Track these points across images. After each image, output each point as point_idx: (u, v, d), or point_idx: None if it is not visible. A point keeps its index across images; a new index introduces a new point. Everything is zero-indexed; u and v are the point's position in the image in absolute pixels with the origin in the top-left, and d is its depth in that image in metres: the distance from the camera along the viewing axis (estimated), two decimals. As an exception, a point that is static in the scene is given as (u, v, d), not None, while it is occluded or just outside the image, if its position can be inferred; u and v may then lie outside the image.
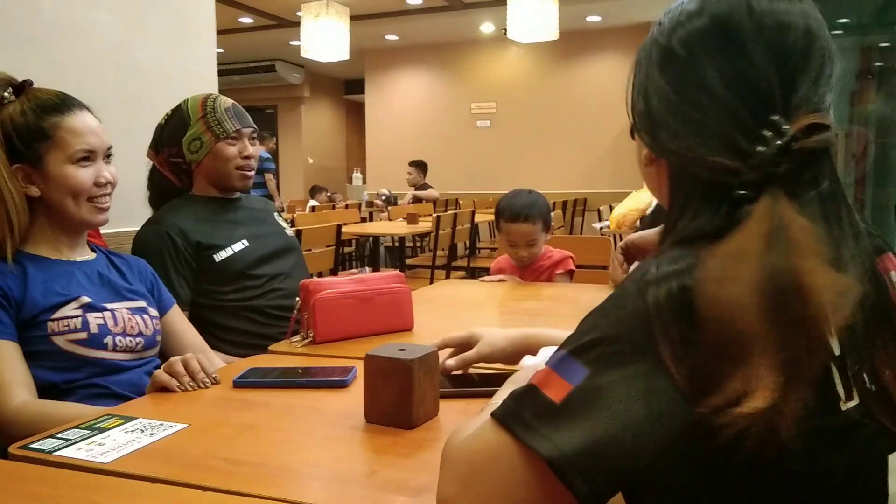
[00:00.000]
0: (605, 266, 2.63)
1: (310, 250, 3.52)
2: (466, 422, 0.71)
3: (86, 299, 1.28)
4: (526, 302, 1.93)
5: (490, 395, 1.05)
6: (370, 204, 7.66)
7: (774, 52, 0.63)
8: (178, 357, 1.15)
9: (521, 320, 1.74)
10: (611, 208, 5.22)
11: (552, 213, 4.65)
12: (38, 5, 1.93)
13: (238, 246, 1.73)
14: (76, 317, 1.26)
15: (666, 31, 0.68)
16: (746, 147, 0.61)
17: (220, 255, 1.70)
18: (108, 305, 1.32)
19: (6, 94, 1.30)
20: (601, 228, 4.88)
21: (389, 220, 6.17)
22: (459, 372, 1.17)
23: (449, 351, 1.16)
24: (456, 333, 1.16)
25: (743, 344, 0.54)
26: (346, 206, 6.91)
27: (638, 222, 4.42)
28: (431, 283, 4.36)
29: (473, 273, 5.01)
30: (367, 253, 6.23)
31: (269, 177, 6.93)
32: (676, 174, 0.68)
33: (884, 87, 6.49)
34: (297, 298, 1.48)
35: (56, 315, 1.24)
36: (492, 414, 0.61)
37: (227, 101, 1.81)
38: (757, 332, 0.54)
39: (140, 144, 1.84)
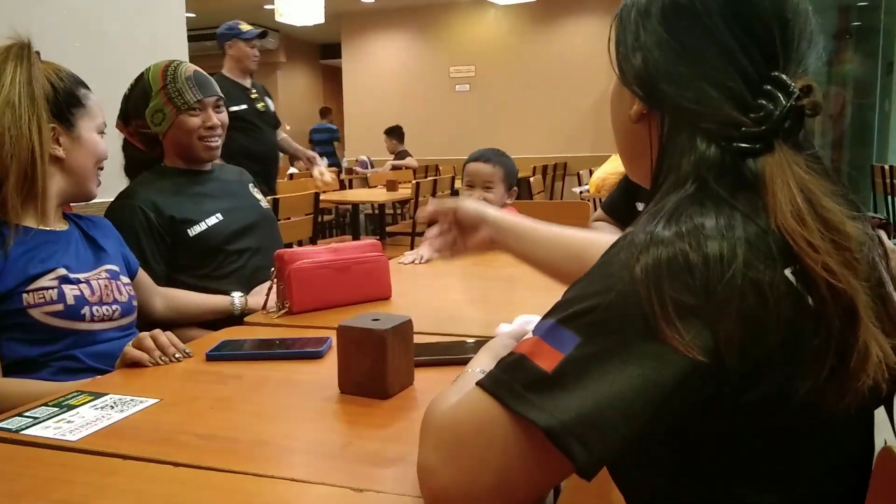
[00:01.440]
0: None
1: (288, 219, 3.48)
2: (444, 391, 0.71)
3: (62, 271, 1.27)
4: (505, 269, 1.92)
5: (465, 362, 1.05)
6: (349, 171, 7.60)
7: (777, 11, 0.65)
8: (147, 332, 1.14)
9: (500, 287, 1.74)
10: (591, 172, 5.21)
11: (532, 179, 4.63)
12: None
13: (212, 220, 1.69)
14: (52, 288, 1.24)
15: None
16: (751, 101, 0.63)
17: (195, 230, 1.66)
18: (84, 276, 1.30)
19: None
20: (581, 192, 4.88)
21: (369, 186, 6.13)
22: (434, 342, 1.17)
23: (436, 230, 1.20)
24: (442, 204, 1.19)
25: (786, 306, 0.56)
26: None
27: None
28: (412, 250, 4.35)
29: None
30: (347, 221, 6.19)
31: (336, 145, 7.11)
32: (672, 128, 0.67)
33: (861, 48, 6.50)
34: (272, 269, 1.46)
35: (32, 287, 1.22)
36: (479, 384, 0.60)
37: (188, 70, 1.74)
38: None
39: (108, 115, 1.78)
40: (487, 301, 1.63)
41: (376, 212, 5.74)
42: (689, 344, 0.54)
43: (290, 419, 0.90)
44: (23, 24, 1.92)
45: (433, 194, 4.66)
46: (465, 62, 8.84)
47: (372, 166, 7.82)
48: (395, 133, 7.52)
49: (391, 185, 5.17)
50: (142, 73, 1.74)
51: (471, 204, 1.15)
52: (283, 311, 1.42)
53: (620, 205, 2.08)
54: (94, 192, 1.40)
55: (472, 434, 0.59)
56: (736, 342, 0.55)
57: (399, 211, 6.67)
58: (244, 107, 3.66)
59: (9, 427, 0.87)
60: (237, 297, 1.62)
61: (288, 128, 10.87)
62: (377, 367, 0.93)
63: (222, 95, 1.80)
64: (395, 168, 7.16)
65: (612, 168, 4.17)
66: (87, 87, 1.39)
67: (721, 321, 0.55)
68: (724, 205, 0.60)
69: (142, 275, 1.52)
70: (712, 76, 0.64)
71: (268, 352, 1.14)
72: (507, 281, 1.80)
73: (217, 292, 1.68)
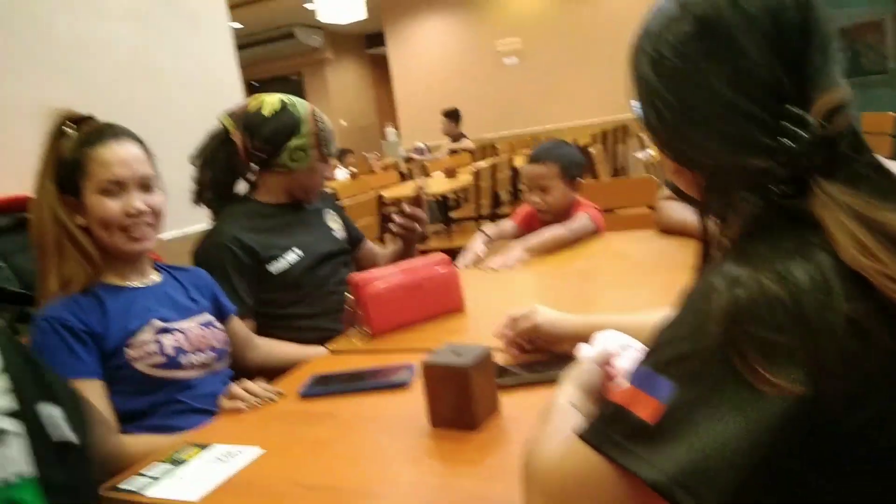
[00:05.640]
0: (651, 207, 2.57)
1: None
2: (540, 432, 0.72)
3: (159, 323, 1.33)
4: (574, 262, 1.91)
5: (545, 381, 1.06)
6: (408, 160, 7.63)
7: (770, 38, 0.61)
8: (236, 383, 1.20)
9: (573, 283, 1.73)
10: (651, 134, 5.06)
11: (592, 149, 4.53)
12: (52, 26, 1.94)
13: (292, 256, 1.74)
14: (152, 341, 1.30)
15: (653, 40, 0.67)
16: (770, 143, 0.60)
17: (276, 267, 1.71)
18: (179, 325, 1.36)
19: (66, 127, 1.33)
20: (644, 157, 4.76)
21: (427, 175, 6.14)
22: (514, 361, 1.19)
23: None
24: (520, 309, 1.21)
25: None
26: (385, 169, 6.88)
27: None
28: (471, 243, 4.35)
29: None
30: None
31: None
32: (708, 181, 0.66)
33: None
34: (348, 295, 1.51)
35: (133, 341, 1.29)
36: (581, 436, 0.62)
37: (328, 122, 1.82)
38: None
39: (169, 148, 1.80)
40: (561, 302, 1.61)
41: (439, 199, 5.74)
42: (785, 384, 0.53)
43: (387, 461, 0.94)
44: (84, 72, 2.03)
45: (493, 178, 4.64)
46: (511, 34, 8.70)
47: (429, 151, 7.84)
48: (453, 116, 7.49)
49: (450, 173, 5.17)
50: (285, 105, 1.74)
51: (547, 324, 1.18)
52: (362, 336, 1.47)
53: None
54: (129, 249, 1.34)
55: (579, 488, 0.60)
56: (834, 377, 0.54)
57: (461, 195, 6.66)
58: None
59: (131, 488, 0.94)
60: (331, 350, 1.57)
61: (344, 124, 10.98)
62: (463, 401, 0.95)
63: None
64: (452, 152, 7.15)
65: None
66: (93, 144, 1.32)
67: (816, 357, 0.54)
68: (796, 238, 0.58)
69: (237, 324, 1.56)
70: (722, 130, 0.62)
71: (357, 385, 1.18)
72: (578, 276, 1.79)
73: (298, 319, 1.74)
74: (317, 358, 1.47)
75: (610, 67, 8.16)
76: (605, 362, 0.90)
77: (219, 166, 1.78)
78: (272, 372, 1.57)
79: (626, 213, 2.90)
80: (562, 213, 2.13)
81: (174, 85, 2.35)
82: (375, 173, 6.47)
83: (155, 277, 1.43)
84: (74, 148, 1.33)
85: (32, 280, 1.45)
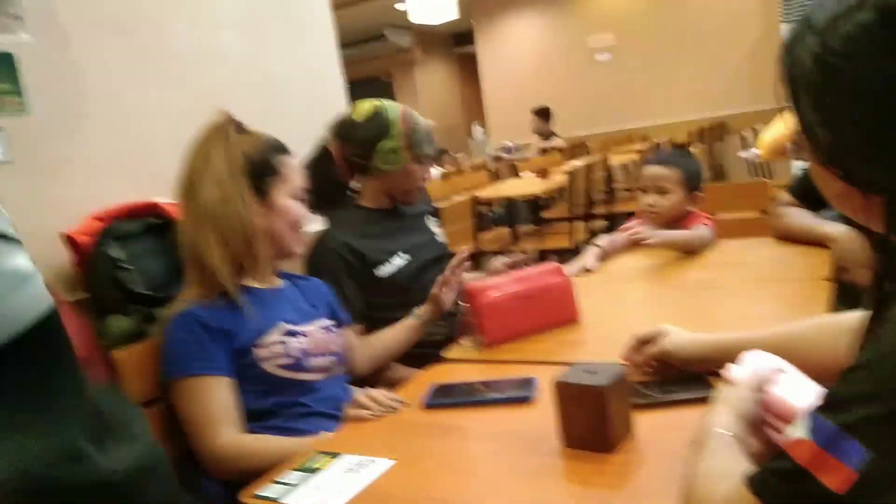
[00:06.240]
0: (764, 211, 2.46)
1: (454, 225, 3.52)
2: (700, 466, 0.69)
3: (286, 326, 1.37)
4: (690, 272, 1.84)
5: (681, 402, 1.02)
6: (496, 159, 7.61)
7: None
8: (362, 391, 1.22)
9: (691, 294, 1.67)
10: (754, 132, 4.86)
11: (692, 149, 4.40)
12: (171, 35, 2.01)
13: (398, 260, 1.76)
14: (279, 342, 1.34)
15: (819, 33, 0.58)
16: None
17: (384, 271, 1.74)
18: (304, 328, 1.40)
19: (231, 130, 1.40)
20: (748, 158, 4.56)
21: (517, 174, 6.09)
22: (646, 379, 1.15)
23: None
24: (645, 331, 1.16)
25: None
26: (474, 169, 6.88)
27: (789, 144, 4.08)
28: (571, 235, 4.29)
29: (613, 220, 4.88)
30: (497, 215, 6.21)
31: None
32: (891, 206, 0.59)
33: None
34: (462, 304, 1.51)
35: (261, 342, 1.33)
36: (756, 492, 0.58)
37: (426, 124, 1.83)
38: None
39: None
40: (679, 315, 1.55)
41: (529, 199, 5.70)
42: None
43: (523, 478, 0.92)
44: (200, 79, 2.11)
45: (587, 178, 4.57)
46: (603, 30, 8.53)
47: (517, 150, 7.80)
48: (543, 114, 7.43)
49: (542, 173, 5.12)
50: (376, 109, 1.78)
51: (676, 349, 1.12)
52: (477, 345, 1.46)
53: (816, 193, 1.90)
54: (296, 251, 1.47)
55: None
56: None
57: (553, 194, 6.58)
58: None
59: (271, 496, 0.96)
60: (418, 313, 1.66)
61: (434, 124, 11.10)
62: (598, 421, 0.93)
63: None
64: (543, 151, 7.08)
65: (783, 128, 3.86)
66: (283, 153, 1.44)
67: None
68: None
69: (349, 334, 1.59)
70: None
71: (480, 398, 1.18)
72: (697, 286, 1.72)
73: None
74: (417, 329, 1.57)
75: (706, 62, 7.91)
76: (760, 388, 0.85)
77: (321, 175, 1.81)
78: (381, 376, 1.61)
79: (729, 218, 2.78)
80: (673, 222, 2.06)
81: (284, 91, 2.41)
82: (463, 173, 6.48)
83: (279, 283, 1.48)
84: (266, 151, 1.40)
85: (159, 283, 1.52)
